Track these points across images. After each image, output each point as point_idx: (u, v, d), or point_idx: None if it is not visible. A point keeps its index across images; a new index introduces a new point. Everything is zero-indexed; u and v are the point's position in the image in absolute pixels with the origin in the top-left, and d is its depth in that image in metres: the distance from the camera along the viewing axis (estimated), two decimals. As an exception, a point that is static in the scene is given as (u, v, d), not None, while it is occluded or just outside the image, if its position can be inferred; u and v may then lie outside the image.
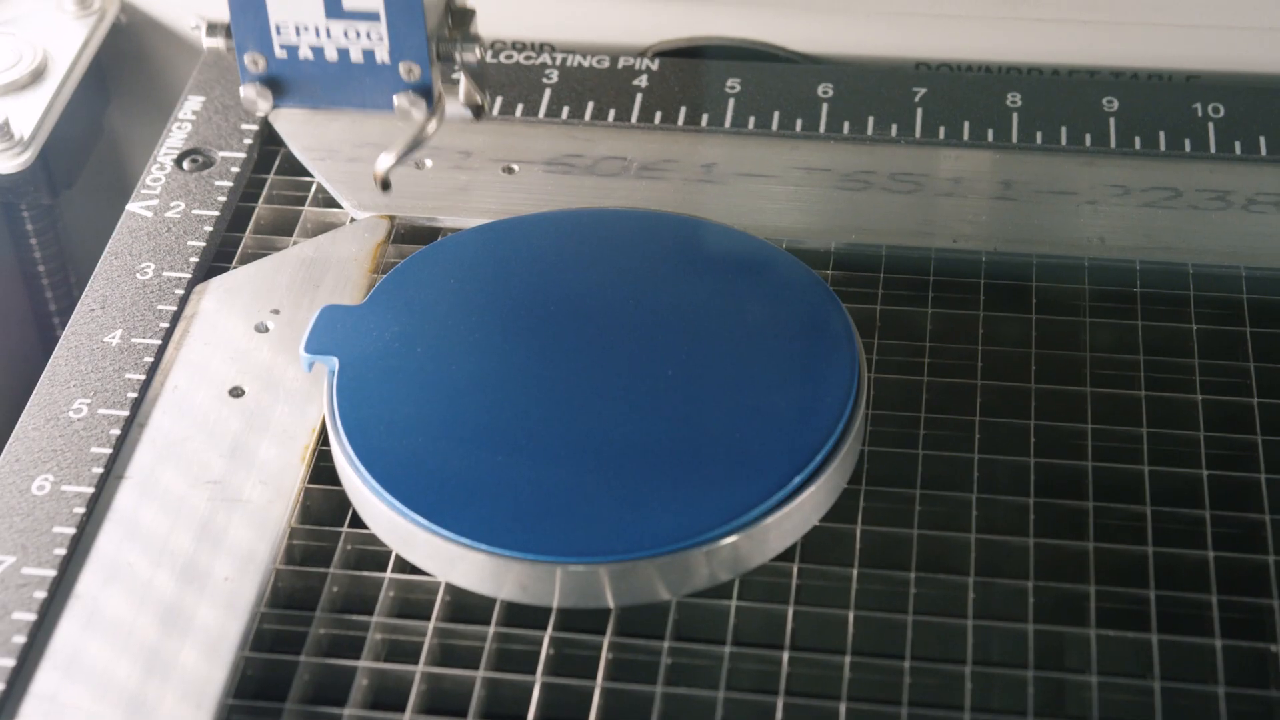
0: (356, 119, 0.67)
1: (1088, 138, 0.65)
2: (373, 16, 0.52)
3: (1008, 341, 0.59)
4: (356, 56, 0.52)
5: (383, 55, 0.52)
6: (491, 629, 0.51)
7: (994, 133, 0.66)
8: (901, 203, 0.63)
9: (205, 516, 0.54)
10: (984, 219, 0.63)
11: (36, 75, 0.69)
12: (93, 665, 0.50)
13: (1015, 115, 0.67)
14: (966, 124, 0.66)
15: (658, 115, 0.67)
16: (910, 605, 0.51)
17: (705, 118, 0.67)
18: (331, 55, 0.52)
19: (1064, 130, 0.66)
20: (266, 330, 0.60)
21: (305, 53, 0.52)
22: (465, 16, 0.54)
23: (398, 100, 0.53)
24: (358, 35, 0.52)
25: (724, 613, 0.51)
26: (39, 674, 0.50)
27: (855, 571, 0.52)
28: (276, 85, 0.54)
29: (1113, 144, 0.65)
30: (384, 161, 0.54)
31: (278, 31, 0.52)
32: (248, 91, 0.54)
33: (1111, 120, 0.66)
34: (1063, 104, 0.67)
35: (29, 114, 0.67)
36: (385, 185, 0.55)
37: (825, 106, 0.67)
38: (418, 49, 0.52)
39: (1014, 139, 0.66)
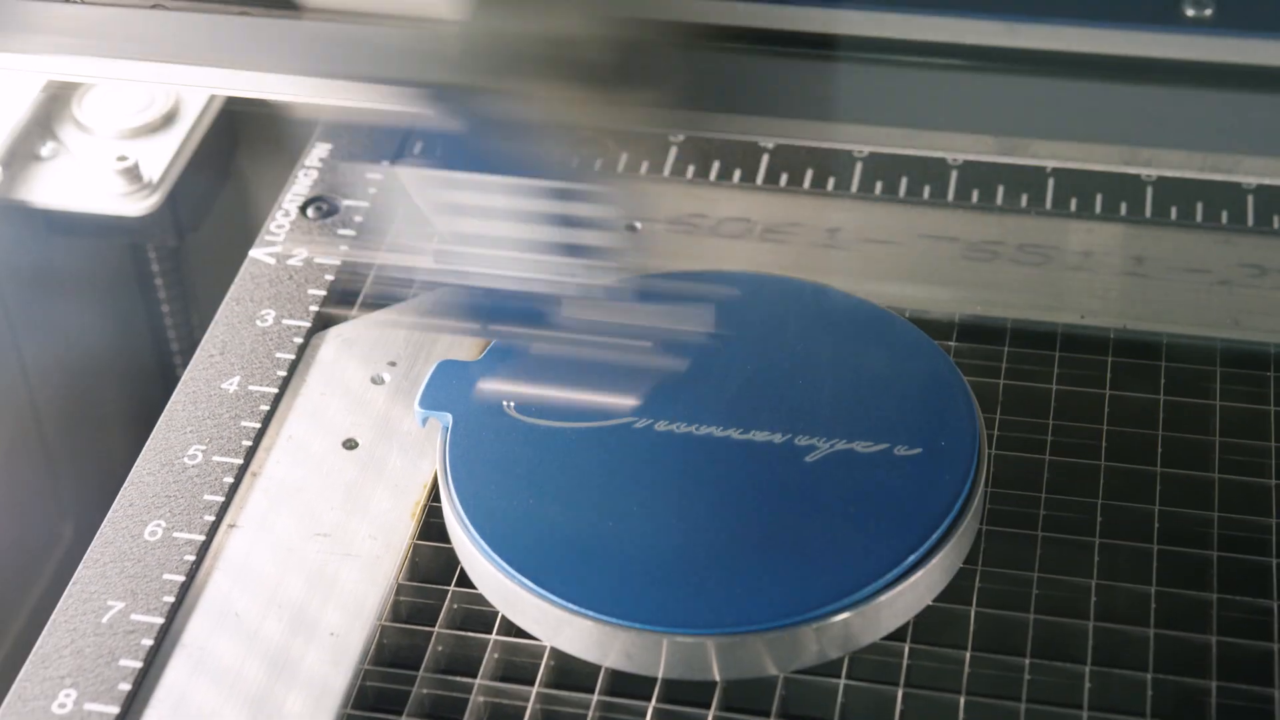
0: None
1: (1224, 214, 0.64)
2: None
3: (1134, 422, 0.57)
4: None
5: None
6: (595, 697, 0.51)
7: (1127, 206, 0.64)
8: (1029, 275, 0.62)
9: (314, 568, 0.54)
10: (1113, 295, 0.61)
11: (168, 119, 0.70)
12: (197, 715, 0.50)
13: (1150, 189, 0.65)
14: (1099, 196, 0.65)
15: (783, 177, 0.67)
16: (1024, 692, 0.50)
17: (831, 181, 0.66)
18: None
19: (1200, 206, 0.64)
20: (383, 382, 0.59)
21: None
22: None
23: None
24: None
25: (832, 691, 0.50)
26: (143, 722, 0.50)
27: (968, 654, 0.51)
28: None
29: (1250, 222, 0.64)
30: None
31: None
32: None
33: (1249, 197, 0.64)
34: (1199, 179, 0.66)
35: (159, 157, 0.68)
36: None
37: (954, 174, 0.66)
38: None
39: (1148, 213, 0.64)
